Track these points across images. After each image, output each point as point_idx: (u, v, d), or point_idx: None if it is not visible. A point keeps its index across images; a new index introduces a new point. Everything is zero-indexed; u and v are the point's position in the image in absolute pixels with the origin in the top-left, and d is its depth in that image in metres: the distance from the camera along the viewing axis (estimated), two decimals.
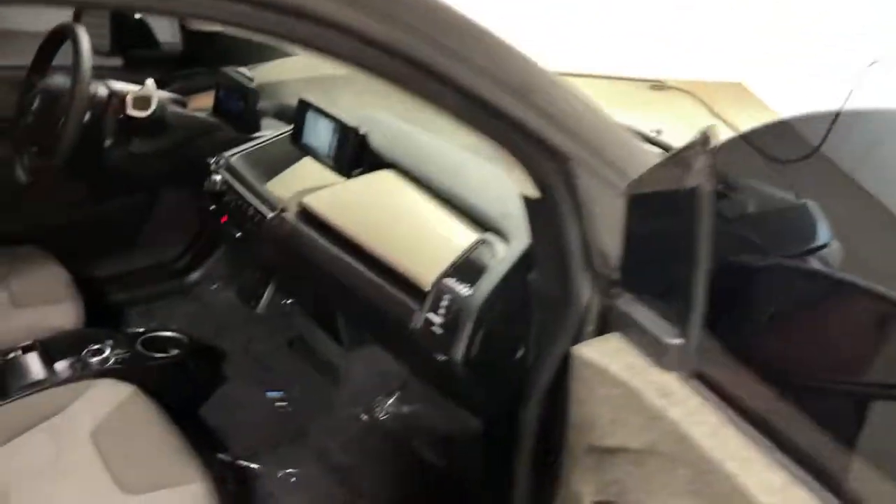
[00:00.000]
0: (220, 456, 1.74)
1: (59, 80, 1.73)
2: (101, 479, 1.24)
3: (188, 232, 2.44)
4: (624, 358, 1.03)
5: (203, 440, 1.78)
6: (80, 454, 1.30)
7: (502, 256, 1.26)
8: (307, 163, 1.82)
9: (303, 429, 1.88)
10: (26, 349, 1.58)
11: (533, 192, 1.11)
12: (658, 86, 2.67)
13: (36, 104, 1.75)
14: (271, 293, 2.36)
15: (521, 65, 0.96)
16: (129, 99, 1.65)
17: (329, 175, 1.74)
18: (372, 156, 1.63)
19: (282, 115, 2.05)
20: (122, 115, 1.69)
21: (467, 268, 1.25)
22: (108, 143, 1.72)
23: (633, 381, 0.98)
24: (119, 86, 1.78)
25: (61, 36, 1.72)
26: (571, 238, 1.10)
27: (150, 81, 1.70)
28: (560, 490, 1.19)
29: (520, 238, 1.27)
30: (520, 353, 1.28)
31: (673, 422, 0.91)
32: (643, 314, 1.04)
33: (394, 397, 1.98)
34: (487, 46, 0.92)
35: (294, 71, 2.25)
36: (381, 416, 1.95)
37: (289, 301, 2.35)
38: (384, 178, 1.56)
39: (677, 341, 0.95)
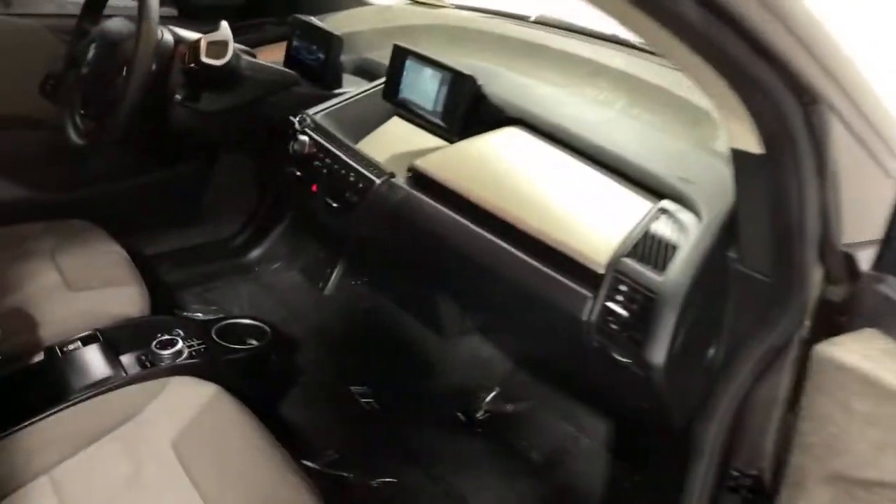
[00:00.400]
0: (306, 463, 1.50)
1: (117, 25, 1.47)
2: (189, 499, 1.01)
3: (247, 205, 2.19)
4: (892, 361, 0.78)
5: (286, 446, 1.55)
6: (163, 470, 1.07)
7: (693, 230, 0.99)
8: (397, 123, 1.57)
9: (395, 429, 1.64)
10: (86, 340, 1.34)
11: (754, 146, 0.85)
12: None
13: (90, 54, 1.50)
14: (340, 273, 2.13)
15: None
16: (203, 44, 1.39)
17: (426, 136, 1.49)
18: (490, 111, 1.37)
19: (362, 70, 1.79)
20: (191, 65, 1.42)
21: (651, 245, 0.99)
22: (177, 97, 1.46)
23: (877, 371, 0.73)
24: (185, 33, 1.52)
25: None
26: (806, 205, 0.84)
27: (224, 24, 1.44)
28: None
29: (710, 206, 1.01)
30: (711, 353, 1.03)
31: None
32: None
33: (493, 393, 1.73)
34: None
35: (368, 21, 2.00)
36: (480, 416, 1.70)
37: (359, 282, 2.11)
38: (512, 135, 1.30)
39: None
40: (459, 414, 1.70)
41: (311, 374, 1.75)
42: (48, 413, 1.16)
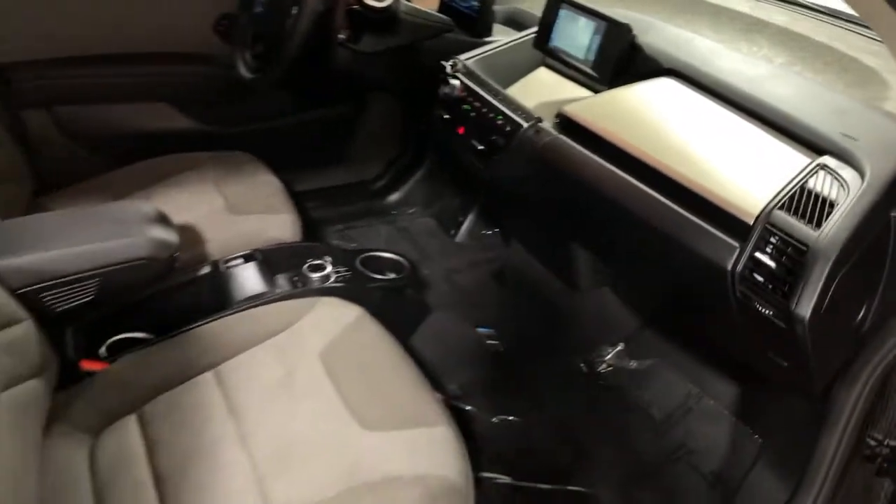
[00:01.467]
0: (437, 394, 1.58)
1: None
2: (338, 413, 1.10)
3: (390, 150, 2.28)
4: None
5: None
6: (312, 377, 1.16)
7: (854, 187, 0.96)
8: (543, 72, 1.58)
9: (517, 372, 1.69)
10: (246, 258, 1.47)
11: None
12: None
13: None
14: (472, 222, 2.18)
15: None
16: None
17: (574, 86, 1.50)
18: (643, 62, 1.36)
19: (511, 20, 1.81)
20: (355, 6, 1.50)
21: (806, 199, 0.96)
22: (340, 37, 1.55)
23: None
24: None
25: None
26: None
27: None
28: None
29: (875, 164, 0.97)
30: (860, 316, 1.00)
31: None
32: None
33: (617, 348, 1.74)
34: None
35: None
36: (602, 370, 1.72)
37: (490, 232, 2.16)
38: (665, 86, 1.29)
39: None
40: (582, 365, 1.73)
41: (440, 312, 1.82)
42: (213, 318, 1.29)
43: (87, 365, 1.22)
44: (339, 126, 2.18)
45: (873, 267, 0.95)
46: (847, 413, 1.01)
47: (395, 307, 1.57)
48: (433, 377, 1.64)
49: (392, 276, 1.54)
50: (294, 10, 1.47)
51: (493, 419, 1.57)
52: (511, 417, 1.57)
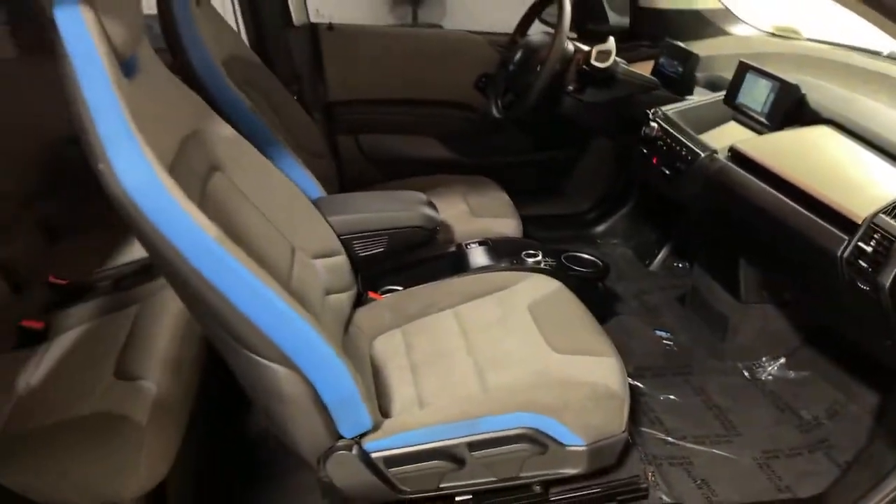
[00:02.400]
0: None
1: (539, 38, 2.13)
2: (535, 339, 1.55)
3: (602, 188, 2.75)
4: None
5: None
6: (520, 319, 1.63)
7: None
8: (733, 125, 1.96)
9: (687, 366, 2.03)
10: (481, 244, 2.01)
11: None
12: None
13: (517, 57, 2.19)
14: (666, 254, 2.55)
15: None
16: (594, 51, 1.98)
17: (751, 134, 1.86)
18: (808, 114, 1.71)
19: (712, 84, 2.21)
20: (583, 67, 2.02)
21: None
22: (569, 88, 2.07)
23: None
24: (582, 45, 2.12)
25: (546, 2, 2.12)
26: None
27: (611, 39, 2.01)
28: None
29: None
30: None
31: None
32: None
33: (780, 361, 2.01)
34: None
35: (727, 48, 2.39)
36: (763, 377, 2.00)
37: (681, 265, 2.51)
38: (820, 131, 1.63)
39: None
40: (745, 372, 2.02)
41: (626, 316, 2.22)
42: (453, 277, 1.83)
43: (372, 294, 1.81)
44: (562, 165, 2.70)
45: None
46: None
47: (588, 295, 2.00)
48: None
49: (588, 270, 1.99)
50: (538, 69, 2.01)
51: (660, 396, 1.93)
52: (672, 397, 1.91)
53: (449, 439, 1.34)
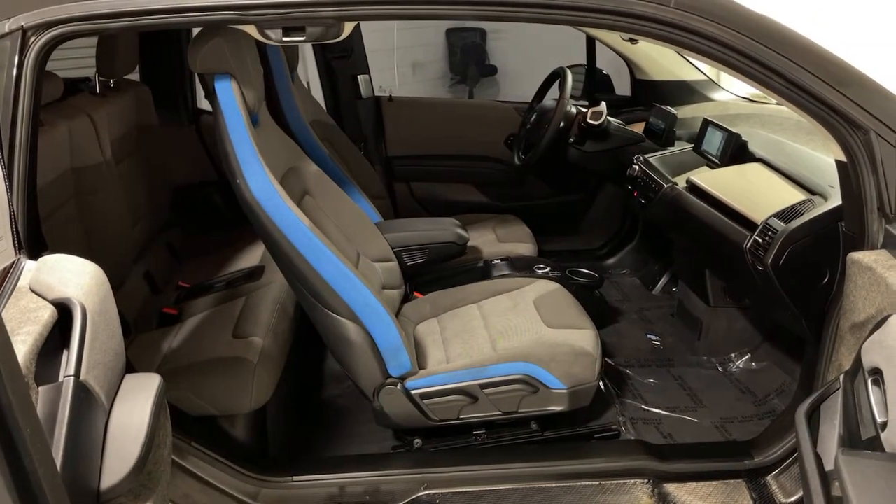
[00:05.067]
0: (606, 359, 2.48)
1: (550, 103, 2.75)
2: (535, 319, 2.09)
3: (613, 226, 3.30)
4: (876, 256, 1.50)
5: None
6: (526, 308, 2.17)
7: (819, 208, 1.77)
8: (704, 168, 2.51)
9: (669, 360, 2.52)
10: (502, 259, 2.57)
11: (843, 157, 1.63)
12: None
13: (532, 118, 2.81)
14: (666, 280, 3.06)
15: (834, 63, 1.51)
16: (589, 112, 2.58)
17: (712, 173, 2.40)
18: (748, 155, 2.25)
19: (692, 139, 2.76)
20: (582, 124, 2.62)
21: (791, 212, 1.80)
22: (571, 140, 2.67)
23: (875, 265, 1.45)
24: (582, 107, 2.73)
25: (555, 76, 2.75)
26: (868, 189, 1.59)
27: (602, 103, 2.61)
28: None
29: (837, 199, 1.77)
30: (825, 281, 1.77)
31: (890, 284, 1.37)
32: None
33: (746, 356, 2.48)
34: (808, 51, 1.51)
35: (708, 111, 2.95)
36: (732, 370, 2.47)
37: (675, 289, 3.02)
38: (752, 166, 2.17)
39: None
40: (718, 366, 2.50)
41: (623, 324, 2.75)
42: (481, 282, 2.39)
43: (417, 294, 2.39)
44: (577, 207, 3.27)
45: (829, 253, 1.71)
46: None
47: (586, 299, 2.53)
48: (609, 351, 2.55)
49: (585, 280, 2.53)
50: (547, 126, 2.62)
51: (644, 380, 2.42)
52: (654, 380, 2.40)
53: (466, 381, 1.89)
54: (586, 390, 1.93)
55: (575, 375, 1.90)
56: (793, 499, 1.83)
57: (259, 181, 1.69)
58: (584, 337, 1.99)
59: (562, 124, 2.64)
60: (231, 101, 1.68)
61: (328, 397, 2.40)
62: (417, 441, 2.02)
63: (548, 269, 2.49)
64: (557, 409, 1.92)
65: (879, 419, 1.21)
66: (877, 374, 1.23)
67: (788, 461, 1.87)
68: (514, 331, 2.05)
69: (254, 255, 2.56)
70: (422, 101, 3.31)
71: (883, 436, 1.20)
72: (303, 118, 2.42)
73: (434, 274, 2.47)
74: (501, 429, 2.02)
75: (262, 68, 1.89)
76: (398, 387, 1.88)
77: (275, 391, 1.95)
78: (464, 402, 1.90)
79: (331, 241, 1.85)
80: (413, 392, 1.89)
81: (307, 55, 3.66)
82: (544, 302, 2.18)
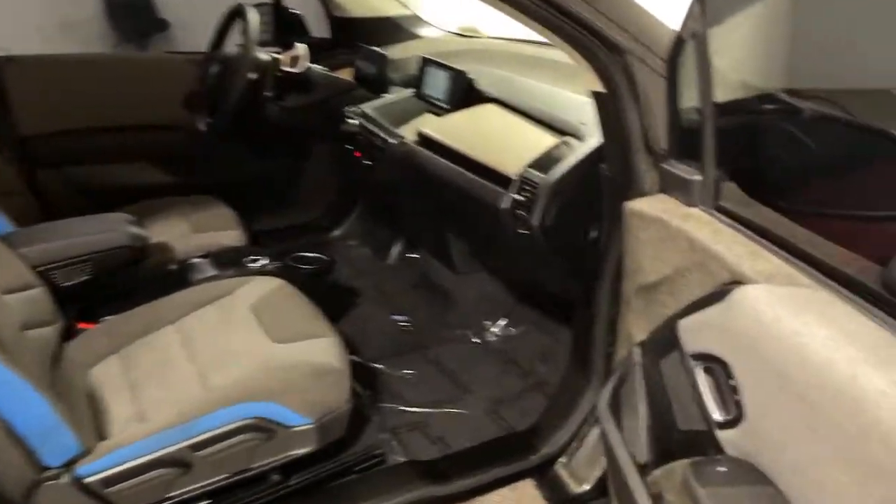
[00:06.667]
0: (352, 357, 2.06)
1: (229, 52, 2.17)
2: (257, 334, 1.58)
3: (331, 194, 2.84)
4: (661, 204, 1.24)
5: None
6: (242, 320, 1.64)
7: (578, 151, 1.49)
8: (427, 116, 2.15)
9: (422, 342, 2.18)
10: (203, 257, 1.99)
11: (599, 87, 1.34)
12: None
13: (214, 70, 2.21)
14: (399, 247, 2.71)
15: None
16: (283, 57, 2.06)
17: (440, 120, 2.05)
18: (478, 95, 1.92)
19: (408, 83, 2.39)
20: (278, 73, 2.09)
21: (547, 160, 1.49)
22: (267, 94, 2.13)
23: (664, 216, 1.19)
24: (276, 53, 2.20)
25: (234, 16, 2.17)
26: (632, 123, 1.32)
27: (300, 45, 2.10)
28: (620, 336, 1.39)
29: (594, 138, 1.50)
30: (593, 234, 1.50)
31: (693, 239, 1.11)
32: (680, 169, 1.24)
33: (502, 322, 2.23)
34: None
35: (419, 49, 2.60)
36: (490, 338, 2.20)
37: (413, 255, 2.68)
38: (487, 108, 1.85)
39: (697, 177, 1.16)
40: (474, 337, 2.21)
41: (364, 306, 2.33)
42: (177, 293, 1.79)
43: (83, 325, 1.72)
44: (287, 175, 2.75)
45: (592, 199, 1.45)
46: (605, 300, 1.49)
47: (318, 289, 2.07)
48: (353, 346, 2.12)
49: (314, 266, 2.06)
50: (233, 79, 2.06)
51: (399, 373, 2.04)
52: (410, 371, 2.04)
53: (168, 446, 1.33)
54: (338, 417, 1.48)
55: (321, 403, 1.45)
56: (586, 486, 1.60)
57: None
58: (325, 347, 1.53)
59: (253, 75, 2.08)
60: None
61: None
62: None
63: (264, 261, 1.97)
64: (305, 450, 1.45)
65: (718, 416, 0.94)
66: (710, 361, 0.95)
67: (574, 444, 1.63)
68: (230, 356, 1.52)
69: None
70: (60, 59, 2.48)
71: (726, 436, 0.93)
72: None
73: (107, 291, 1.82)
74: (233, 491, 1.50)
75: None
76: (63, 479, 1.25)
77: None
78: (171, 476, 1.35)
79: None
80: (89, 481, 1.28)
81: None
82: (265, 307, 1.68)
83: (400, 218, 2.62)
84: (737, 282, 0.98)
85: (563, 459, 1.64)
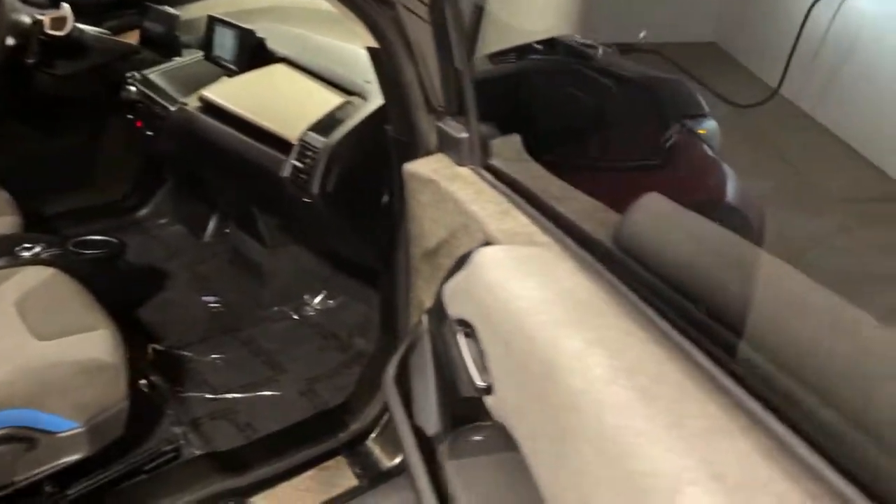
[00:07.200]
0: (154, 346, 1.90)
1: None
2: (18, 333, 1.39)
3: (133, 169, 2.60)
4: (434, 164, 1.19)
5: (138, 332, 1.95)
6: (5, 317, 1.45)
7: (361, 112, 1.41)
8: (225, 79, 1.99)
9: (234, 324, 2.04)
10: None
11: (373, 42, 1.26)
12: (626, 48, 2.80)
13: None
14: (217, 222, 2.53)
15: None
16: (45, 19, 1.82)
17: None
18: (268, 55, 1.79)
19: (202, 45, 2.20)
20: (42, 37, 1.85)
21: (329, 123, 1.40)
22: (31, 61, 1.88)
23: (435, 177, 1.14)
24: (39, 14, 1.94)
25: None
26: (409, 80, 1.25)
27: (64, 4, 1.86)
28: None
29: (376, 96, 1.42)
30: (385, 199, 1.43)
31: (458, 200, 1.06)
32: (451, 127, 1.19)
33: (321, 295, 2.14)
34: None
35: (219, 8, 2.40)
36: (310, 313, 2.11)
37: (228, 230, 2.51)
38: (275, 69, 1.72)
39: (464, 135, 1.11)
40: (293, 313, 2.10)
41: (173, 290, 2.16)
42: None
43: None
44: (80, 152, 2.48)
45: (380, 162, 1.38)
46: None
47: (108, 275, 1.88)
48: (156, 334, 1.96)
49: (100, 251, 1.86)
50: None
51: (208, 358, 1.91)
52: (219, 356, 1.91)
53: None
54: (114, 416, 1.35)
55: (91, 404, 1.31)
56: (398, 459, 1.56)
57: None
58: (95, 341, 1.38)
59: (12, 41, 1.83)
60: None
61: None
62: None
63: (38, 248, 1.75)
64: (77, 456, 1.31)
65: (479, 383, 0.91)
66: (467, 326, 0.91)
67: (385, 417, 1.58)
68: None
69: None
70: None
71: (488, 402, 0.91)
72: None
73: None
74: None
75: None
76: None
77: None
78: None
79: None
80: None
81: None
82: (32, 302, 1.49)
83: (210, 191, 2.44)
84: (489, 243, 0.94)
85: (374, 434, 1.59)
